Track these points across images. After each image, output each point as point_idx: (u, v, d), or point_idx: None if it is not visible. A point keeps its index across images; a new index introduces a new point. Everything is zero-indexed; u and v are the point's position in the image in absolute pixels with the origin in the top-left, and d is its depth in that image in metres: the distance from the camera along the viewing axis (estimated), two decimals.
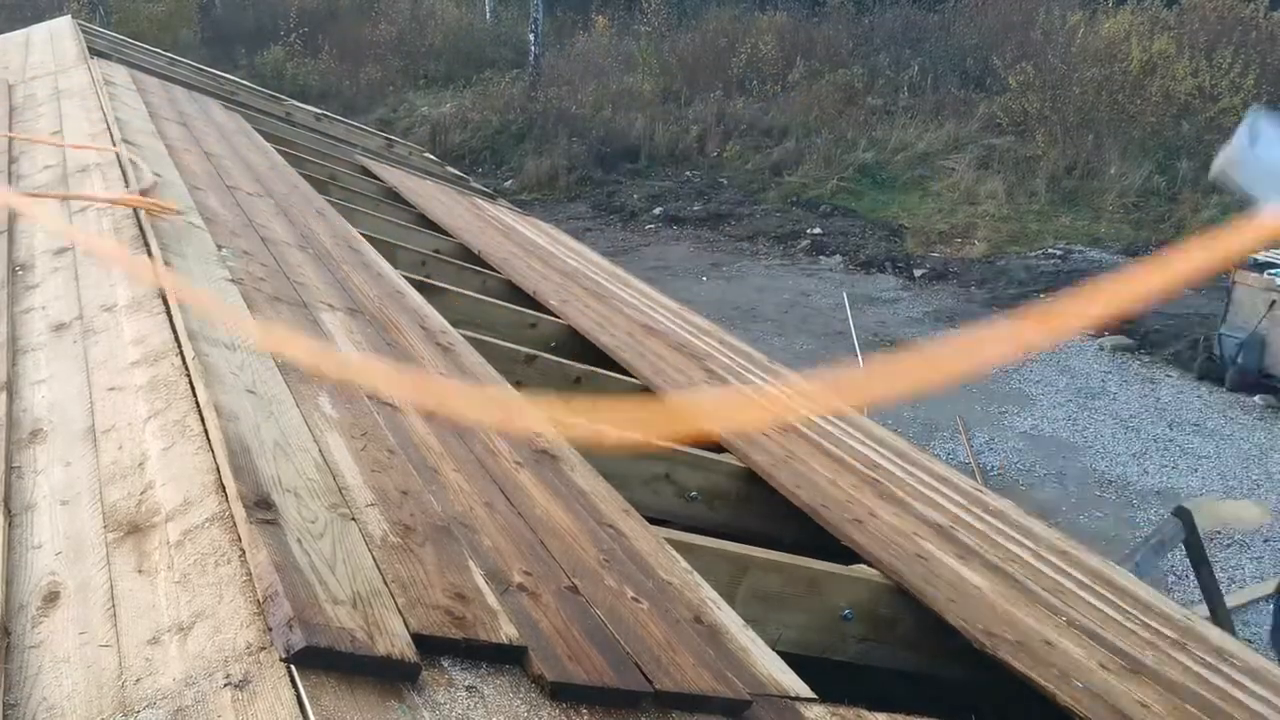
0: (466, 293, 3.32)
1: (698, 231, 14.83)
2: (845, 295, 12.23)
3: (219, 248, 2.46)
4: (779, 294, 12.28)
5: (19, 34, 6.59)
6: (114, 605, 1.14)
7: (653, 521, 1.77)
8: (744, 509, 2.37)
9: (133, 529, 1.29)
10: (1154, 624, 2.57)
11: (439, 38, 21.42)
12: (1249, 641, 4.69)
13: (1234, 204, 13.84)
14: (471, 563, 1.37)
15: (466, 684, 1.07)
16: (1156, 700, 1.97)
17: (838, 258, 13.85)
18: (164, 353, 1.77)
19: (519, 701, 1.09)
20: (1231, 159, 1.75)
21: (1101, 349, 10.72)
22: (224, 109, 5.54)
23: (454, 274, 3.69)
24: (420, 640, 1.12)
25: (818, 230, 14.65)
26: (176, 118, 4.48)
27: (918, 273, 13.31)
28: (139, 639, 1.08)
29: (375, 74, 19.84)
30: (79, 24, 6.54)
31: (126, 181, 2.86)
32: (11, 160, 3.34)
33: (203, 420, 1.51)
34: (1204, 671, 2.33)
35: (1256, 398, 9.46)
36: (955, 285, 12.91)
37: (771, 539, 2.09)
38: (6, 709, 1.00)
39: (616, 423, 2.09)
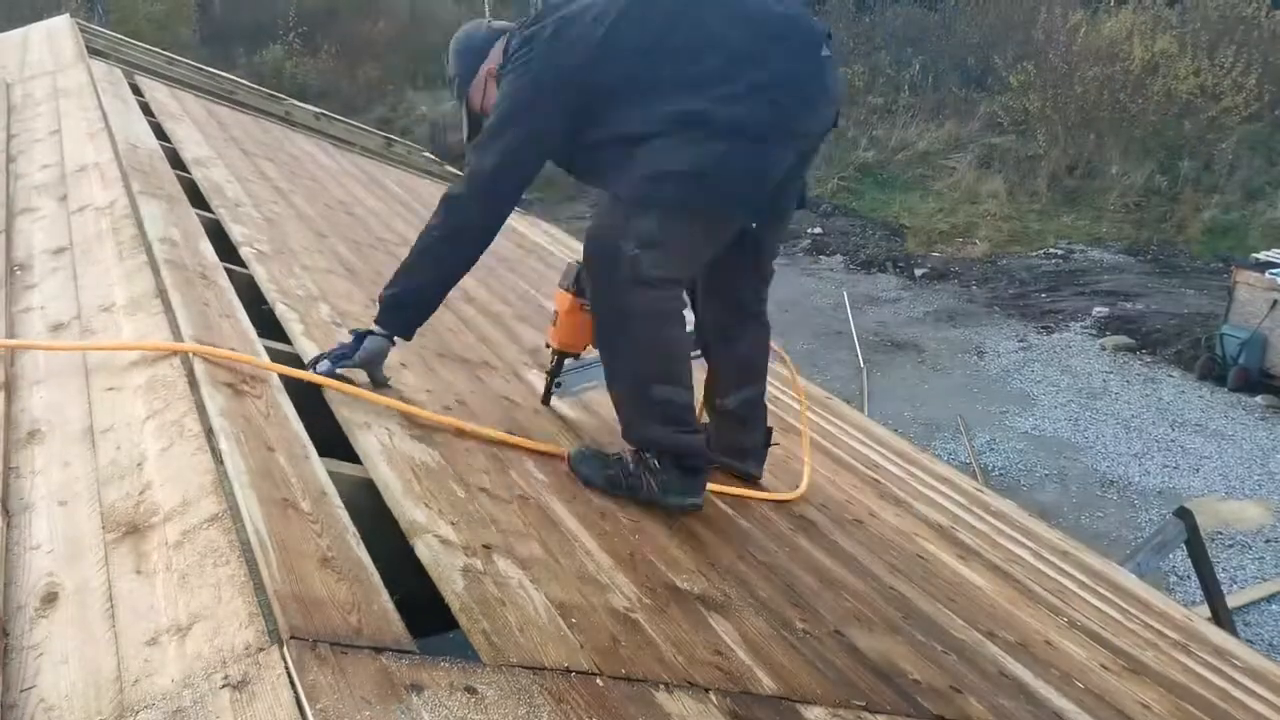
0: None
1: None
2: (846, 295, 12.22)
3: None
4: (779, 293, 12.19)
5: (17, 33, 6.58)
6: (112, 606, 1.14)
7: None
8: None
9: (131, 529, 1.28)
10: (1156, 624, 2.57)
11: (438, 37, 21.41)
12: (1250, 642, 4.69)
13: (1235, 204, 13.85)
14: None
15: (466, 684, 1.07)
16: (1158, 701, 1.96)
17: (838, 257, 13.84)
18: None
19: (519, 702, 1.08)
20: None
21: (1103, 349, 10.71)
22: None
23: None
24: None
25: (818, 230, 14.64)
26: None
27: (918, 272, 13.30)
28: (137, 640, 1.07)
29: (374, 73, 19.82)
30: (77, 23, 6.54)
31: (125, 181, 2.86)
32: (10, 160, 3.33)
33: (201, 420, 1.50)
34: (1205, 672, 2.33)
35: (1258, 398, 9.45)
36: (956, 285, 12.90)
37: None
38: (5, 710, 1.00)
39: None
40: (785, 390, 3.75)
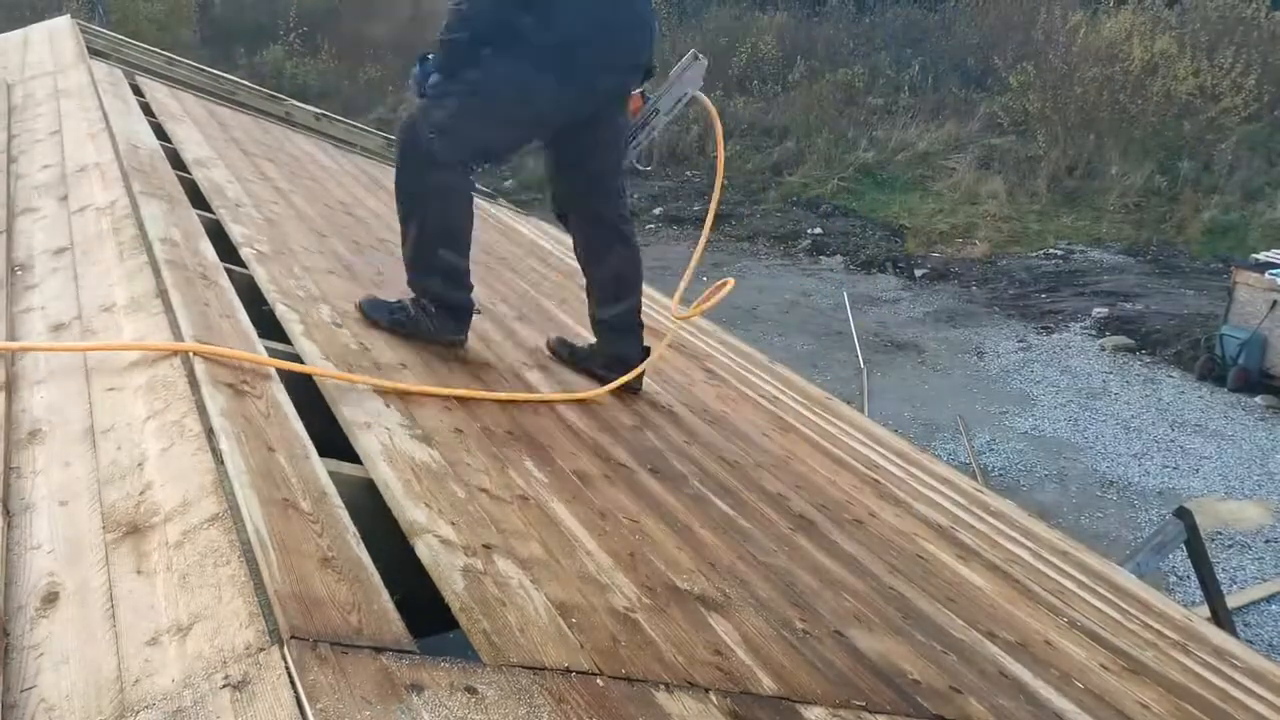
0: None
1: (698, 231, 14.82)
2: (846, 295, 12.22)
3: None
4: (779, 294, 12.26)
5: (18, 33, 6.58)
6: (113, 606, 1.14)
7: None
8: None
9: (132, 529, 1.28)
10: (1155, 625, 2.57)
11: None
12: (1250, 643, 4.69)
13: (1234, 205, 13.85)
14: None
15: (466, 684, 1.07)
16: (1157, 701, 1.96)
17: (838, 258, 13.84)
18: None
19: (519, 702, 1.08)
20: None
21: (1103, 349, 10.71)
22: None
23: None
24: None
25: (818, 230, 14.65)
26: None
27: (918, 273, 13.30)
28: (138, 640, 1.07)
29: (375, 73, 19.83)
30: (78, 24, 6.54)
31: (126, 182, 2.86)
32: (11, 160, 3.33)
33: (201, 420, 1.50)
34: (1205, 672, 2.33)
35: (1258, 398, 9.45)
36: (956, 285, 12.90)
37: None
38: (5, 710, 1.00)
39: None
40: (785, 391, 3.75)
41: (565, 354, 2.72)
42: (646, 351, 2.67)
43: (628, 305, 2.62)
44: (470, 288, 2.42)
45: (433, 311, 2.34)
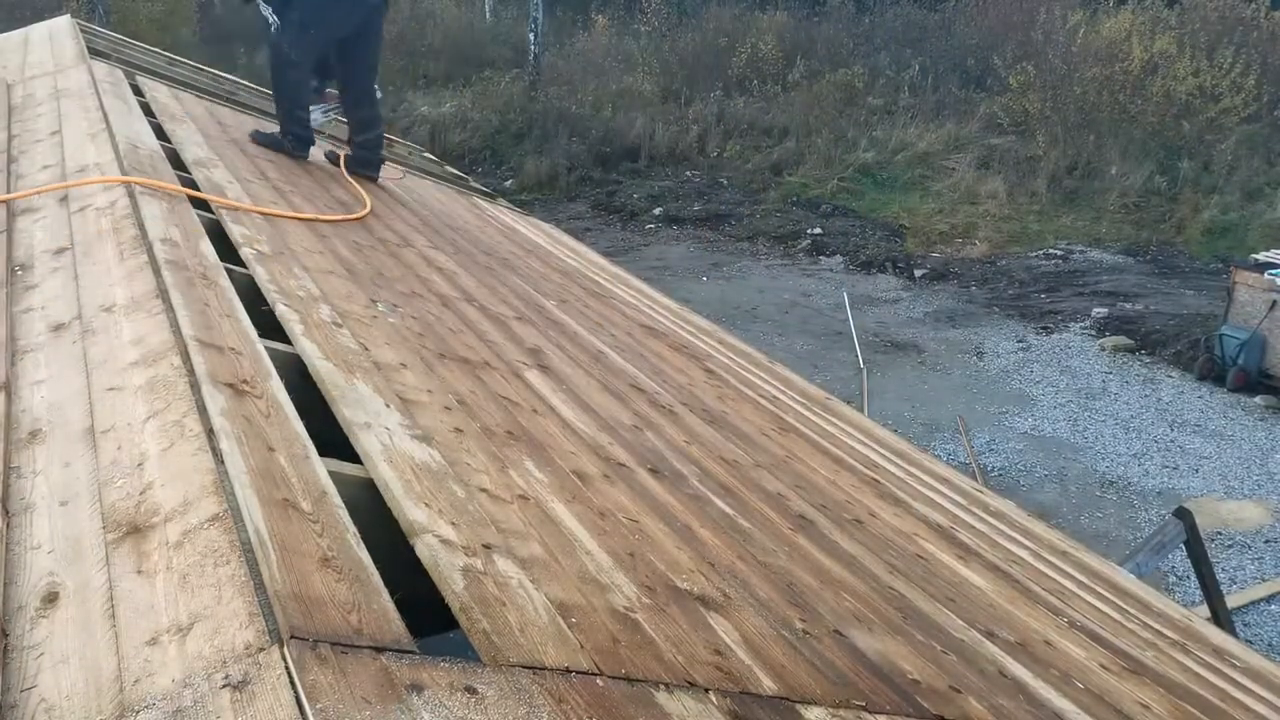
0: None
1: (698, 231, 14.82)
2: (846, 295, 12.22)
3: None
4: (779, 294, 12.26)
5: (18, 33, 6.58)
6: (113, 606, 1.14)
7: None
8: None
9: (132, 529, 1.28)
10: (1155, 625, 2.57)
11: (438, 37, 21.41)
12: (1250, 643, 4.69)
13: (1234, 205, 13.86)
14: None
15: (466, 684, 1.07)
16: (1157, 701, 1.96)
17: (838, 258, 13.84)
18: (163, 353, 1.77)
19: (518, 702, 1.08)
20: None
21: (1102, 349, 10.71)
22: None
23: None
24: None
25: (818, 230, 14.64)
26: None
27: (918, 273, 13.30)
28: (138, 640, 1.07)
29: None
30: (78, 24, 6.54)
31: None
32: (11, 160, 3.33)
33: (202, 420, 1.51)
34: (1204, 672, 2.33)
35: (1257, 398, 9.45)
36: (956, 285, 12.90)
37: None
38: (5, 710, 1.00)
39: None
40: (785, 391, 3.75)
41: (334, 161, 4.81)
42: (383, 160, 5.01)
43: (372, 135, 4.87)
44: (314, 133, 4.80)
45: (293, 142, 4.61)
